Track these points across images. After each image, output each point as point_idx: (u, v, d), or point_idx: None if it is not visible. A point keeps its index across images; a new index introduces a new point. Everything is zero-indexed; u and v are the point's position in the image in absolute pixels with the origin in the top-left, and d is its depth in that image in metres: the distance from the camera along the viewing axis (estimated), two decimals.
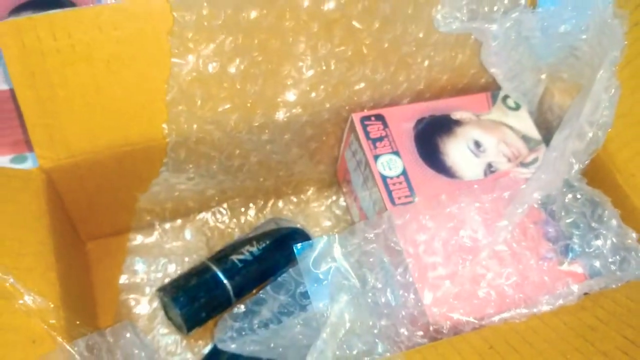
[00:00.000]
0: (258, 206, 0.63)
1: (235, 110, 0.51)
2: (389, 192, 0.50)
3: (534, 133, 0.55)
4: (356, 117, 0.54)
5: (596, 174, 0.52)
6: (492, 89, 0.58)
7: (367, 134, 0.53)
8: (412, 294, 0.45)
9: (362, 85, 0.54)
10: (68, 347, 0.39)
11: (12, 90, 0.53)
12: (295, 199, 0.64)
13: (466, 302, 0.45)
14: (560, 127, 0.50)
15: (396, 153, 0.52)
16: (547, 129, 0.57)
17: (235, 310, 0.46)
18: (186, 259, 0.59)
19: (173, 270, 0.58)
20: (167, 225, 0.61)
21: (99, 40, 0.46)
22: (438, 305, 0.45)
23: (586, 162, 0.46)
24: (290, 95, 0.52)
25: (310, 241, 0.46)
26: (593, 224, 0.48)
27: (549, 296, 0.45)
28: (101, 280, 0.57)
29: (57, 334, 0.39)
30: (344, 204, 0.65)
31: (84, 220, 0.56)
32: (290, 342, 0.45)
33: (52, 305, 0.40)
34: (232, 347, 0.45)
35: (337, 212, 0.64)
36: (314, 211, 0.64)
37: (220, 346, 0.46)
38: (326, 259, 0.45)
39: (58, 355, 0.38)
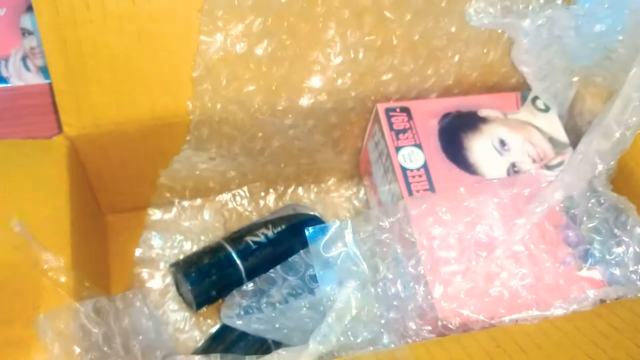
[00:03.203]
0: (278, 192, 0.63)
1: (259, 92, 0.51)
2: (408, 184, 0.49)
3: (562, 136, 0.54)
4: (381, 108, 0.53)
5: (624, 181, 0.51)
6: (522, 89, 0.57)
7: (390, 124, 0.53)
8: (422, 286, 0.45)
9: (390, 76, 0.54)
10: (76, 305, 0.39)
11: (49, 85, 0.54)
12: (315, 188, 0.64)
13: (477, 299, 0.45)
14: (588, 131, 0.49)
15: (418, 146, 0.52)
16: (577, 134, 0.55)
17: (244, 287, 0.46)
18: (202, 238, 0.59)
19: (189, 247, 0.59)
20: (186, 204, 0.61)
21: (131, 13, 0.46)
22: (448, 300, 0.44)
23: (611, 163, 0.44)
24: (316, 81, 0.52)
25: (323, 225, 0.45)
26: (615, 231, 0.47)
27: (562, 300, 0.43)
28: (117, 253, 0.58)
29: (65, 292, 0.39)
30: (364, 196, 0.64)
31: (105, 191, 0.57)
32: (296, 324, 0.44)
33: (62, 264, 0.40)
34: (237, 323, 0.45)
35: (357, 204, 0.64)
36: (334, 201, 0.64)
37: (225, 321, 0.46)
38: (337, 243, 0.45)
39: (64, 312, 0.38)
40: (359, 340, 0.43)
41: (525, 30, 0.48)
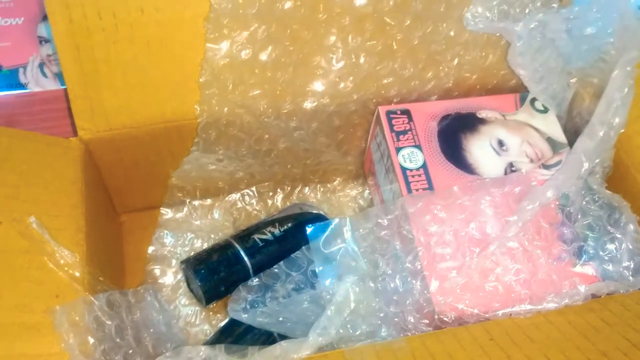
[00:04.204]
0: (285, 192, 0.65)
1: (264, 96, 0.53)
2: (408, 184, 0.51)
3: (560, 136, 0.55)
4: (382, 110, 0.55)
5: (620, 179, 0.52)
6: (521, 91, 0.58)
7: (391, 126, 0.54)
8: (419, 281, 0.46)
9: (390, 79, 0.56)
10: (90, 298, 0.41)
11: (65, 90, 0.56)
12: (321, 188, 0.66)
13: (473, 294, 0.46)
14: (584, 131, 0.50)
15: (418, 147, 0.53)
16: (576, 134, 0.56)
17: (250, 282, 0.49)
18: (212, 236, 0.61)
19: (199, 245, 0.61)
20: (197, 203, 0.63)
21: (141, 22, 0.49)
22: (444, 294, 0.46)
23: (596, 162, 0.46)
24: (319, 85, 0.54)
25: (323, 223, 0.47)
26: (609, 228, 0.48)
27: (554, 295, 0.45)
28: (132, 251, 0.61)
29: (80, 286, 0.42)
30: (369, 196, 0.66)
31: (120, 192, 0.59)
32: (299, 317, 0.46)
33: (78, 259, 0.43)
34: (243, 317, 0.47)
35: (362, 203, 0.66)
36: (340, 201, 0.66)
37: (232, 315, 0.48)
38: (336, 240, 0.47)
39: (79, 305, 0.41)
40: (357, 333, 0.45)
41: (518, 33, 0.49)
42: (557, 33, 0.49)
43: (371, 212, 0.48)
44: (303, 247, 0.48)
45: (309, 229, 0.47)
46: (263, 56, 0.51)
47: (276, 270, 0.48)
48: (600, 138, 0.44)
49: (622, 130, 0.45)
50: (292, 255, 0.48)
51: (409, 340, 0.43)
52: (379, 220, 0.47)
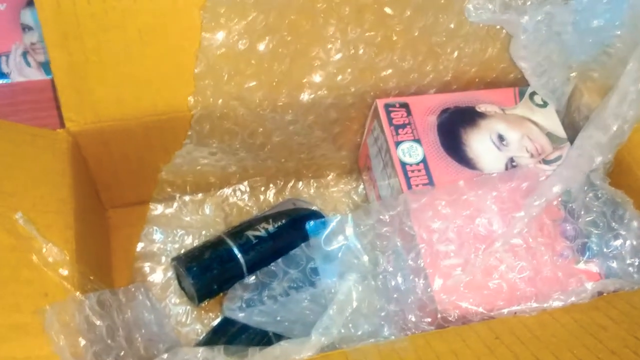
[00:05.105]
0: (278, 187, 0.64)
1: (260, 88, 0.52)
2: (407, 179, 0.50)
3: (560, 131, 0.54)
4: (380, 103, 0.54)
5: (621, 175, 0.51)
6: (520, 85, 0.57)
7: (390, 120, 0.53)
8: (422, 279, 0.45)
9: (389, 71, 0.54)
10: (80, 297, 0.39)
11: (52, 80, 0.54)
12: (315, 183, 0.65)
13: (476, 292, 0.45)
14: (585, 126, 0.49)
15: (417, 141, 0.52)
16: (574, 129, 0.56)
17: (246, 280, 0.47)
18: (203, 232, 0.59)
19: (190, 242, 0.59)
20: (187, 198, 0.61)
21: (133, 9, 0.47)
22: (447, 292, 0.45)
23: (609, 156, 0.45)
24: (317, 77, 0.53)
25: (324, 219, 0.46)
26: (613, 224, 0.47)
27: (560, 292, 0.44)
28: (119, 247, 0.58)
29: (69, 285, 0.40)
30: (363, 191, 0.65)
31: (108, 186, 0.57)
32: (297, 317, 0.45)
33: (67, 257, 0.41)
34: (239, 316, 0.46)
35: (356, 198, 0.64)
36: (333, 196, 0.64)
37: (227, 314, 0.46)
38: (338, 237, 0.45)
39: (69, 305, 0.39)
40: (359, 333, 0.43)
41: (523, 26, 0.48)
42: (563, 26, 0.48)
43: (372, 208, 0.47)
44: (302, 245, 0.46)
45: (309, 225, 0.46)
46: (260, 46, 0.50)
47: (273, 267, 0.47)
48: (613, 132, 0.43)
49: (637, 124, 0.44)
50: (291, 253, 0.46)
51: (412, 339, 0.42)
52: (381, 217, 0.46)
